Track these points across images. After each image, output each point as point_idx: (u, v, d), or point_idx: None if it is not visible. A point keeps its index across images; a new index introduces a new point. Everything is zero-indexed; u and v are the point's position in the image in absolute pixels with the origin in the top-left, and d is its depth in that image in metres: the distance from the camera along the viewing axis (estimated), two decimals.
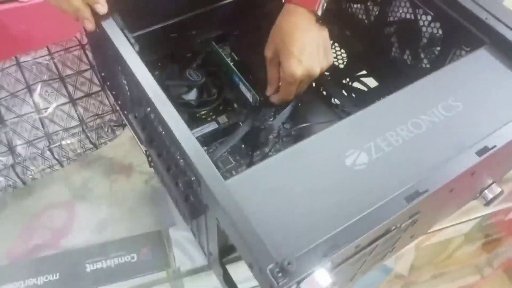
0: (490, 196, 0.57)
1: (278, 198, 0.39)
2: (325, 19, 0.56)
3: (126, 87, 0.53)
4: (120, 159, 0.76)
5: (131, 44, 0.48)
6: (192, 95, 0.64)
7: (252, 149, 0.62)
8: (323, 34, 0.57)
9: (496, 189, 0.57)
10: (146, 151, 0.58)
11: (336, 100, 0.70)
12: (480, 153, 0.42)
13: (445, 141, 0.44)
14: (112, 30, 0.49)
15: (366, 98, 0.70)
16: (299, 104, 0.69)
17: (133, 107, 0.52)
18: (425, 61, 0.66)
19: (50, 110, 0.67)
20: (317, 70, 0.57)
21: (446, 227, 0.73)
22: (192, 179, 0.42)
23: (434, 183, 0.40)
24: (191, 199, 0.45)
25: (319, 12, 0.55)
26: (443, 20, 0.59)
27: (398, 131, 0.45)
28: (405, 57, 0.69)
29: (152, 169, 0.72)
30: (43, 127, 0.65)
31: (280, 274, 0.34)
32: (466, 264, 1.19)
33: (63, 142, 0.64)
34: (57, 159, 0.64)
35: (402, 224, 0.41)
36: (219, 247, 0.47)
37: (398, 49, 0.70)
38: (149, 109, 0.48)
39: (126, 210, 0.68)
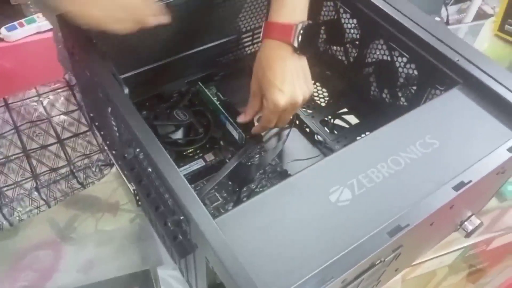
0: (470, 227, 0.59)
1: (266, 236, 0.40)
2: (303, 50, 0.58)
3: (115, 128, 0.55)
4: (106, 197, 0.76)
5: (121, 86, 0.50)
6: (179, 134, 0.65)
7: (239, 185, 0.64)
8: (302, 63, 0.59)
9: (476, 220, 0.59)
10: (134, 190, 0.58)
11: (319, 137, 0.72)
12: (456, 188, 0.44)
13: (424, 177, 0.46)
14: (102, 73, 0.51)
15: (348, 135, 0.73)
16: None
17: (122, 148, 0.53)
18: (402, 99, 0.69)
19: (38, 151, 0.68)
20: (299, 98, 0.58)
21: (430, 259, 0.74)
22: (181, 218, 0.43)
23: (415, 218, 0.42)
24: (180, 238, 0.45)
25: (295, 44, 0.57)
26: (418, 62, 0.62)
27: (379, 168, 0.47)
28: (384, 95, 0.72)
29: (138, 208, 0.72)
30: (30, 168, 0.66)
31: None
32: None
33: (51, 183, 0.65)
34: (44, 200, 0.64)
35: (386, 258, 0.43)
36: (208, 285, 0.47)
37: (377, 88, 0.73)
38: (138, 150, 0.49)
39: (113, 250, 0.68)
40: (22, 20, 1.19)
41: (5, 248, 0.65)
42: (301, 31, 0.57)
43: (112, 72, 0.51)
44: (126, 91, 0.50)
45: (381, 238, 0.40)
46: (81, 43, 0.53)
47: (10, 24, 1.17)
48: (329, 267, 0.38)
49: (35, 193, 0.64)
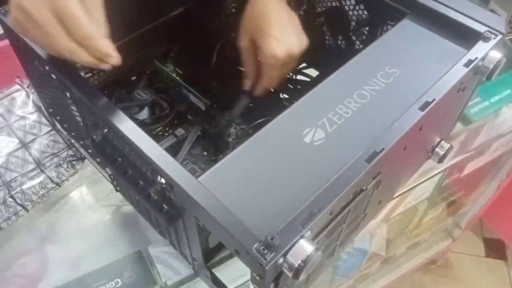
0: (441, 152, 0.62)
1: (249, 185, 0.41)
2: (292, 4, 0.58)
3: (78, 115, 0.53)
4: (82, 196, 0.75)
5: (75, 69, 0.49)
6: (144, 114, 0.64)
7: (215, 154, 0.64)
8: (294, 15, 0.58)
9: (445, 144, 0.62)
10: (110, 175, 0.58)
11: (284, 94, 0.73)
12: (422, 108, 0.46)
13: (390, 104, 0.47)
14: (53, 60, 0.49)
15: (311, 88, 0.73)
16: (250, 104, 0.72)
17: (89, 133, 0.52)
18: (357, 43, 0.70)
19: (2, 159, 0.65)
20: (297, 50, 0.56)
21: (409, 189, 0.77)
22: (163, 186, 0.43)
23: (388, 141, 0.43)
24: (165, 208, 0.45)
25: None
26: (365, 2, 0.63)
27: (346, 104, 0.48)
28: (339, 42, 0.73)
29: (116, 200, 0.72)
30: None
31: (266, 251, 0.35)
32: (436, 229, 1.25)
33: (24, 187, 0.63)
34: (20, 204, 0.62)
35: (368, 186, 0.44)
36: (202, 249, 0.48)
37: (331, 36, 0.74)
38: (105, 130, 0.48)
39: (99, 242, 0.67)
40: None
41: None
42: None
43: (64, 58, 0.49)
44: (82, 73, 0.48)
45: (360, 165, 0.41)
46: None
47: None
48: (315, 200, 0.39)
49: (10, 199, 0.62)
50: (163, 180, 0.42)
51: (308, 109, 0.47)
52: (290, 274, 0.36)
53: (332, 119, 0.46)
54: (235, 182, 0.41)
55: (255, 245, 0.35)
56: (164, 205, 0.45)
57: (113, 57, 0.44)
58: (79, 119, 0.54)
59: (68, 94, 0.50)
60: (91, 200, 0.74)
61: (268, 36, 0.54)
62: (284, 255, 0.36)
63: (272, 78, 0.58)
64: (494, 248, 1.63)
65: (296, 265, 0.36)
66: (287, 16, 0.57)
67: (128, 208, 0.71)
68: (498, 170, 1.05)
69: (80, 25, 0.41)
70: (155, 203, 0.45)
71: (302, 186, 0.41)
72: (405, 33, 0.55)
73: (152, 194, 0.44)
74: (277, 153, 0.43)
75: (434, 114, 0.48)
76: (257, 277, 0.37)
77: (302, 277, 0.36)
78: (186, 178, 0.40)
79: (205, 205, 0.38)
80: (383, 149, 0.42)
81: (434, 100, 0.46)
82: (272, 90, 0.74)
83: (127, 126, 0.43)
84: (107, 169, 0.56)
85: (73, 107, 0.53)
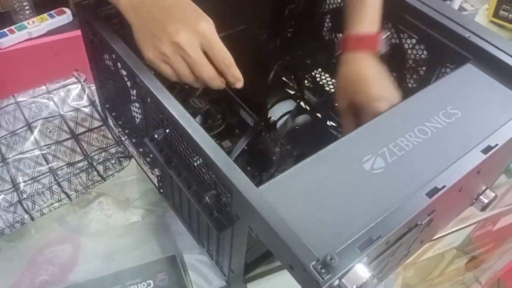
0: (486, 200, 0.61)
1: (309, 201, 0.41)
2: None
3: (138, 112, 0.55)
4: (115, 195, 0.76)
5: (147, 67, 0.50)
6: (197, 122, 0.65)
7: (259, 170, 0.64)
8: (384, 70, 0.60)
9: (490, 194, 0.61)
10: (157, 176, 0.58)
11: (331, 122, 0.74)
12: (485, 151, 0.46)
13: (451, 143, 0.48)
14: (128, 56, 0.51)
15: None
16: (297, 127, 0.73)
17: (147, 131, 0.53)
18: (411, 81, 0.71)
19: (52, 146, 0.67)
20: (397, 98, 0.58)
21: (446, 234, 0.76)
22: (220, 190, 0.44)
23: (450, 179, 0.43)
24: (215, 214, 0.46)
25: (381, 52, 0.59)
26: (427, 42, 0.64)
27: (407, 137, 0.48)
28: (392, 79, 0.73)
29: (148, 204, 0.72)
30: (46, 163, 0.65)
31: (323, 270, 0.35)
32: (455, 281, 1.22)
33: (72, 176, 0.64)
34: (66, 193, 0.63)
35: (423, 222, 0.44)
36: (245, 260, 0.48)
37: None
38: (168, 130, 0.49)
39: (131, 241, 0.67)
40: (12, 27, 1.18)
41: (19, 246, 0.64)
42: (385, 40, 0.59)
43: (137, 55, 0.51)
44: (152, 72, 0.50)
45: (421, 199, 0.41)
46: (103, 28, 0.53)
47: (0, 31, 1.16)
48: (376, 227, 0.39)
49: (56, 186, 0.63)
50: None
51: (369, 137, 0.48)
52: None
53: (392, 149, 0.46)
54: (294, 196, 0.41)
55: (313, 263, 0.35)
56: (215, 212, 0.46)
57: (241, 81, 0.52)
58: (139, 116, 0.55)
59: (134, 91, 0.52)
60: (122, 200, 0.75)
61: (371, 97, 0.56)
62: (340, 277, 0.36)
63: None
64: None
65: None
66: (381, 72, 0.59)
67: (158, 213, 0.72)
68: None
69: (227, 55, 0.49)
70: (207, 208, 0.46)
71: (360, 210, 0.41)
72: (468, 77, 0.56)
73: (207, 198, 0.44)
74: (336, 175, 0.44)
75: (492, 160, 0.48)
76: None
77: None
78: (248, 185, 0.40)
79: (265, 215, 0.38)
80: (444, 186, 0.42)
81: (496, 145, 0.46)
82: (319, 116, 0.75)
83: (195, 129, 0.44)
84: (156, 170, 0.57)
85: (136, 104, 0.54)
